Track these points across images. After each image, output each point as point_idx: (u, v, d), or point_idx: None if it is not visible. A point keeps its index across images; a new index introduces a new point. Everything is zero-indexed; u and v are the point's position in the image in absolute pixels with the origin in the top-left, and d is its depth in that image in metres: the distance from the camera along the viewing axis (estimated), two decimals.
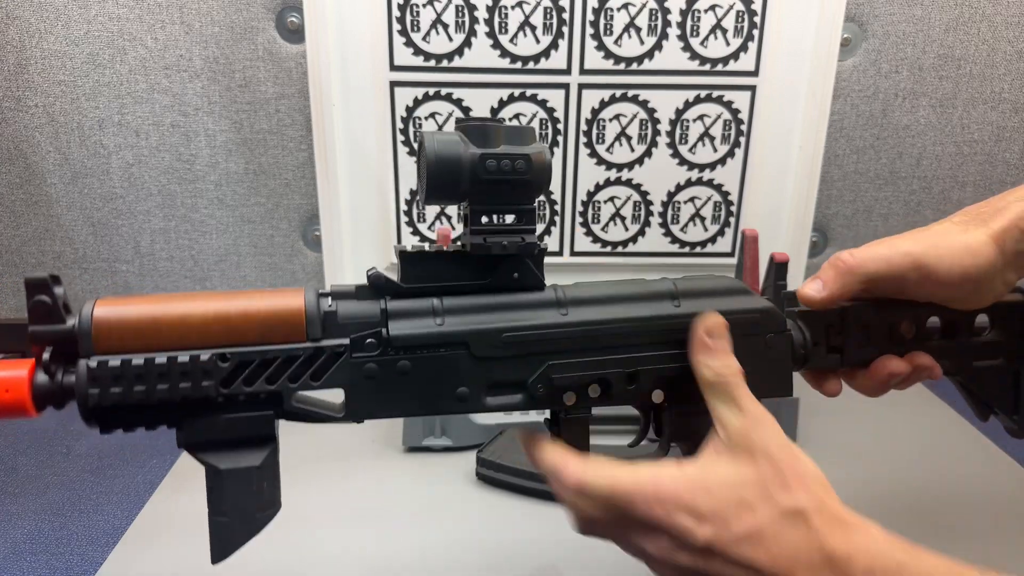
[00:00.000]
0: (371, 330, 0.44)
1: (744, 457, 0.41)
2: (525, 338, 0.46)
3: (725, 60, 0.92)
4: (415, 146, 0.95)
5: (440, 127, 0.94)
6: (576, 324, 0.46)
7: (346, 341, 0.44)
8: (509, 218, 0.46)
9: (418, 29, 0.90)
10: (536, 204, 0.46)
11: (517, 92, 0.93)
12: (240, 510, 0.43)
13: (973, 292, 0.50)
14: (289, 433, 0.86)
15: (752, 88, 0.93)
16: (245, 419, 0.43)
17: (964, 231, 0.50)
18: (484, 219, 0.45)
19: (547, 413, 0.50)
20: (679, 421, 0.49)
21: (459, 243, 0.47)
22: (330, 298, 0.45)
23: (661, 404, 0.49)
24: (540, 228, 0.99)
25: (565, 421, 0.48)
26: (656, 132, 0.95)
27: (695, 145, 0.96)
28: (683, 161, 0.97)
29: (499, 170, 0.44)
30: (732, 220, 0.99)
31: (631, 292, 0.48)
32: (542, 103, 0.93)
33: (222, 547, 0.43)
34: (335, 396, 0.45)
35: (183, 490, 0.77)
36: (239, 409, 0.43)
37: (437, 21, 0.90)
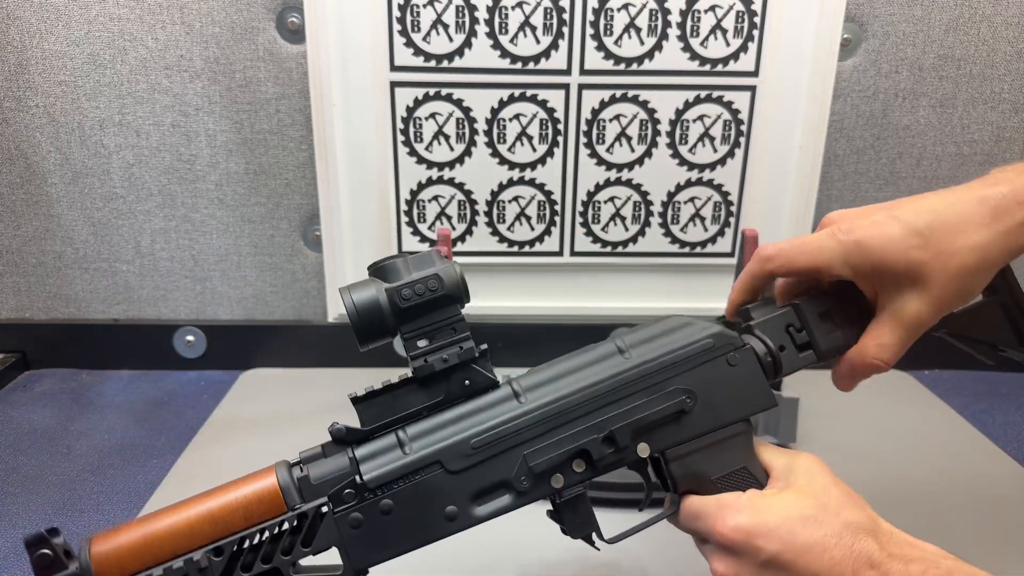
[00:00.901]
0: (346, 481, 0.46)
1: (800, 485, 0.46)
2: (493, 438, 0.47)
3: (725, 60, 0.92)
4: (416, 146, 0.95)
5: (440, 128, 0.94)
6: (537, 408, 0.48)
7: (325, 499, 0.46)
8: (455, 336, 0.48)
9: (418, 29, 0.90)
10: (463, 317, 0.49)
11: (517, 92, 0.93)
12: None
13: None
14: (287, 432, 0.86)
15: (752, 88, 0.94)
16: None
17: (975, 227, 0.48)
18: (420, 343, 0.47)
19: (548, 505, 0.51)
20: (679, 466, 0.50)
21: (407, 373, 0.49)
22: (300, 466, 0.47)
23: (650, 457, 0.49)
24: (540, 228, 0.99)
25: (563, 505, 0.49)
26: (656, 132, 0.95)
27: (695, 145, 0.96)
28: (683, 161, 0.97)
29: (415, 295, 0.47)
30: (732, 220, 0.99)
31: (580, 362, 0.50)
32: (542, 103, 0.93)
33: None
34: (335, 557, 0.47)
35: (183, 490, 0.77)
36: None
37: (437, 21, 0.90)
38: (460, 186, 0.97)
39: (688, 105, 0.94)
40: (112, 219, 1.00)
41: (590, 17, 0.90)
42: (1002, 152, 1.01)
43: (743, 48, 0.92)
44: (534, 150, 0.95)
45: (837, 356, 0.53)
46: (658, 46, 0.92)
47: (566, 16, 0.90)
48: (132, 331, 1.04)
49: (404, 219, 0.98)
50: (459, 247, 0.99)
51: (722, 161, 0.97)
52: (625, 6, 0.90)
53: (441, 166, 0.96)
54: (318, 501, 0.46)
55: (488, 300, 1.00)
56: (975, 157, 1.02)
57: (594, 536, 0.50)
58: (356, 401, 0.48)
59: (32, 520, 0.73)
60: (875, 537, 0.43)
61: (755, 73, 0.93)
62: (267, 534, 0.45)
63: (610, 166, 0.97)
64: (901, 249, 0.48)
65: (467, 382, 0.49)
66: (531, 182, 0.97)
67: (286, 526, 0.45)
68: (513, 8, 0.89)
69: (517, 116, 0.94)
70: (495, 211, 0.98)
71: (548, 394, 0.49)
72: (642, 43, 0.91)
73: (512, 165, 0.96)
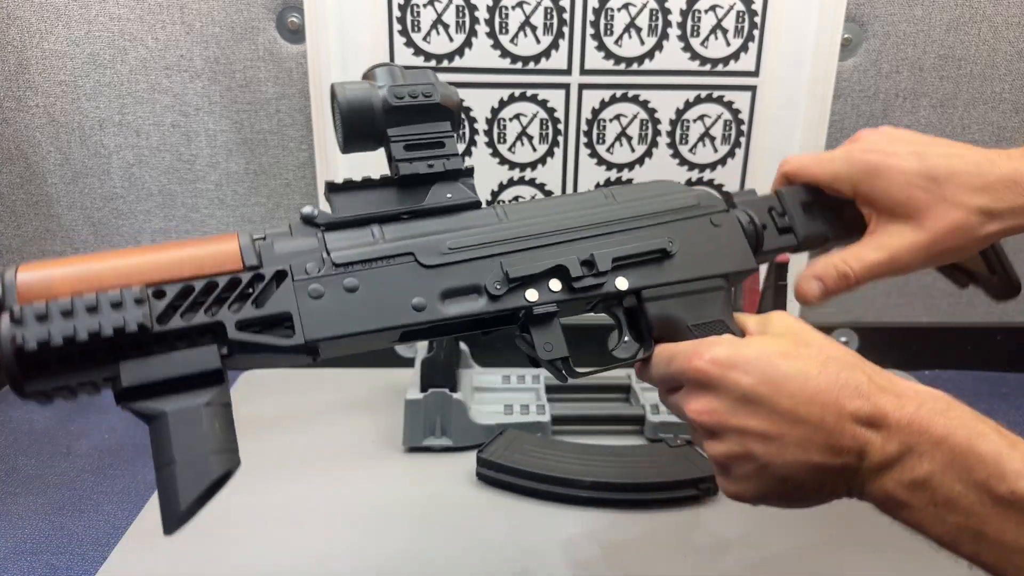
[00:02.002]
0: (311, 256, 0.43)
1: (777, 331, 0.45)
2: (471, 242, 0.46)
3: (725, 60, 0.92)
4: None
5: None
6: (520, 225, 0.47)
7: (287, 267, 0.42)
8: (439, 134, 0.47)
9: (419, 29, 0.90)
10: (455, 129, 0.47)
11: (517, 92, 0.93)
12: (190, 454, 0.37)
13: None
14: (288, 432, 0.86)
15: (752, 88, 0.94)
16: (181, 356, 0.39)
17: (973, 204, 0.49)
18: (406, 148, 0.46)
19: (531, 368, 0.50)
20: (655, 307, 0.49)
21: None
22: (264, 237, 0.44)
23: (628, 292, 0.48)
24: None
25: (534, 320, 0.46)
26: (656, 132, 0.95)
27: (695, 145, 0.96)
28: (683, 161, 0.97)
29: (409, 96, 0.45)
30: None
31: (567, 200, 0.50)
32: (542, 103, 0.93)
33: (172, 506, 0.37)
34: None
35: None
36: (179, 347, 0.39)
37: (438, 21, 0.90)
38: None
39: (688, 105, 0.94)
40: (112, 219, 1.00)
41: (590, 17, 0.90)
42: None
43: (743, 48, 0.92)
44: (534, 150, 0.95)
45: (817, 248, 0.55)
46: (658, 46, 0.92)
47: (566, 16, 0.90)
48: None
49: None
50: None
51: (722, 161, 0.97)
52: (625, 6, 0.90)
53: None
54: (279, 266, 0.42)
55: None
56: None
57: (561, 364, 0.47)
58: (332, 189, 0.46)
59: (32, 520, 0.73)
60: (862, 369, 0.41)
61: (755, 73, 0.93)
62: (217, 288, 0.40)
63: (611, 166, 0.97)
64: (909, 186, 0.48)
65: (449, 195, 0.47)
66: (531, 182, 0.97)
67: (241, 285, 0.41)
68: (513, 8, 0.89)
69: (517, 116, 0.94)
70: None
71: (532, 218, 0.48)
72: (642, 43, 0.91)
73: (512, 165, 0.96)
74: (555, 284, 0.47)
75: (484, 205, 0.48)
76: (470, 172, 0.48)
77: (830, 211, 0.54)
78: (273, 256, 0.43)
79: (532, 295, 0.46)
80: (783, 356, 0.41)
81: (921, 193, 0.48)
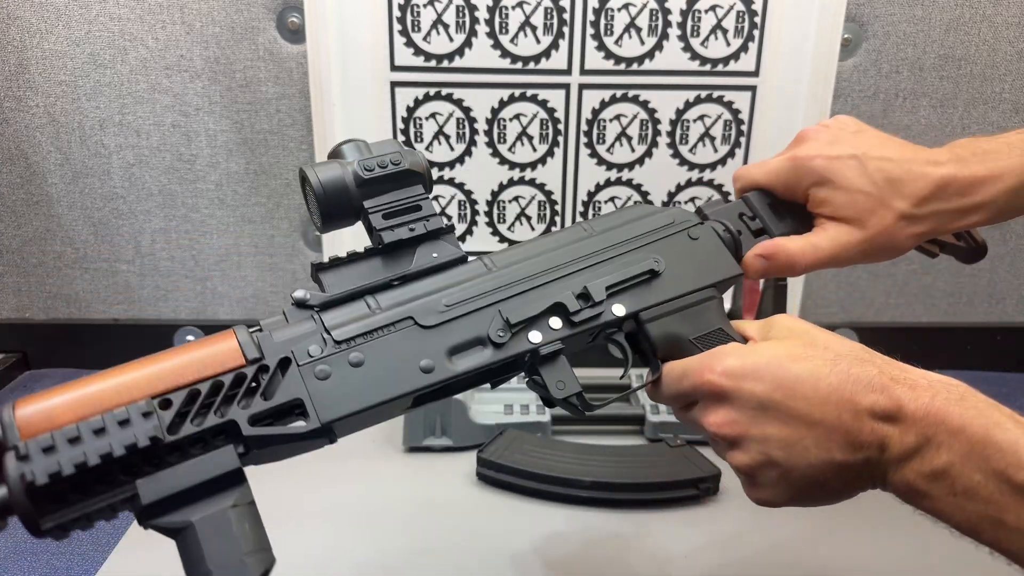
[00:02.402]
0: (307, 339, 0.43)
1: (782, 335, 0.46)
2: (466, 296, 0.47)
3: (725, 60, 0.92)
4: (417, 146, 0.95)
5: (440, 128, 0.94)
6: (509, 272, 0.49)
7: (289, 354, 0.42)
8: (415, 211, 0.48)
9: (419, 29, 0.90)
10: (427, 192, 0.48)
11: (517, 92, 0.93)
12: (225, 561, 0.37)
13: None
14: None
15: (752, 88, 0.94)
16: (204, 460, 0.38)
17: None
18: (384, 218, 0.47)
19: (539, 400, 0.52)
20: (656, 327, 0.50)
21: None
22: (261, 328, 0.44)
23: (627, 318, 0.49)
24: (540, 228, 0.99)
25: (541, 360, 0.47)
26: (656, 132, 0.95)
27: (695, 145, 0.96)
28: (683, 161, 0.97)
29: (379, 166, 0.46)
30: None
31: (548, 240, 0.52)
32: (543, 103, 0.93)
33: None
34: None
35: None
36: (195, 453, 0.39)
37: (438, 21, 0.90)
38: (460, 186, 0.97)
39: (688, 105, 0.94)
40: (112, 219, 1.00)
41: (590, 17, 0.90)
42: None
43: (743, 48, 0.92)
44: (534, 150, 0.95)
45: None
46: (658, 46, 0.92)
47: (566, 16, 0.90)
48: (132, 331, 1.04)
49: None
50: None
51: (722, 161, 0.97)
52: (625, 6, 0.90)
53: (441, 166, 0.96)
54: (281, 354, 0.42)
55: None
56: None
57: (576, 400, 0.48)
58: (319, 269, 0.46)
59: None
60: (873, 363, 0.41)
61: (755, 73, 0.93)
62: (223, 387, 0.40)
63: (610, 166, 0.97)
64: (851, 196, 0.52)
65: (435, 255, 0.48)
66: (531, 182, 0.97)
67: (247, 380, 0.40)
68: (513, 8, 0.89)
69: (517, 116, 0.94)
70: (495, 211, 0.98)
71: (519, 262, 0.50)
72: (642, 43, 0.91)
73: (512, 165, 0.96)
74: (555, 322, 0.48)
75: (469, 259, 0.49)
76: (451, 229, 0.49)
77: (791, 209, 0.57)
78: (274, 345, 0.42)
79: (536, 337, 0.47)
80: (793, 359, 0.41)
81: (862, 200, 0.52)
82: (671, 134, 0.95)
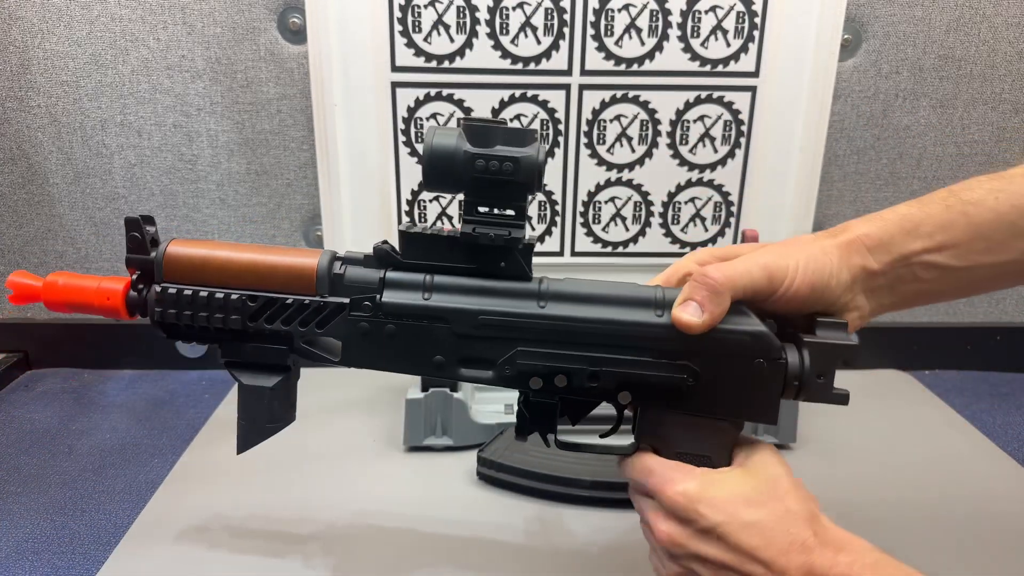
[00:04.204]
0: (369, 295, 0.51)
1: (753, 469, 0.48)
2: (499, 323, 0.50)
3: (726, 61, 0.92)
4: (416, 147, 0.95)
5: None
6: (547, 318, 0.49)
7: (347, 301, 0.51)
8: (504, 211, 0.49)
9: (419, 30, 0.90)
10: (527, 202, 0.49)
11: (518, 93, 0.93)
12: (253, 419, 0.54)
13: (820, 295, 0.50)
14: (288, 432, 0.87)
15: (753, 89, 0.94)
16: (264, 349, 0.53)
17: (815, 240, 0.52)
18: (479, 209, 0.48)
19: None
20: (649, 424, 0.51)
21: (457, 229, 0.50)
22: (341, 262, 0.52)
23: (629, 405, 0.51)
24: (540, 228, 0.99)
25: (531, 402, 0.52)
26: (657, 133, 0.96)
27: (696, 146, 0.96)
28: (684, 162, 0.97)
29: (487, 170, 0.47)
30: (732, 220, 1.00)
31: (615, 294, 0.50)
32: (543, 104, 0.94)
33: (241, 444, 0.55)
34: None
35: (185, 490, 0.77)
36: (261, 341, 0.53)
37: (438, 22, 0.90)
38: None
39: (689, 105, 0.94)
40: (114, 219, 1.00)
41: (591, 18, 0.90)
42: (1002, 152, 1.02)
43: (744, 49, 0.92)
44: None
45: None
46: (659, 47, 0.92)
47: (567, 17, 0.90)
48: (133, 331, 1.04)
49: (405, 219, 0.98)
50: None
51: (723, 161, 0.97)
52: (626, 7, 0.90)
53: None
54: (341, 299, 0.51)
55: None
56: (975, 157, 1.02)
57: (551, 439, 0.53)
58: (403, 235, 0.51)
59: (34, 520, 0.73)
60: (811, 526, 0.45)
61: (755, 74, 0.93)
62: (294, 304, 0.51)
63: (611, 166, 0.97)
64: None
65: (503, 264, 0.50)
66: None
67: (309, 310, 0.51)
68: (514, 9, 0.89)
69: (518, 116, 0.94)
70: None
71: (566, 311, 0.50)
72: (643, 44, 0.91)
73: None
74: (560, 380, 0.50)
75: (533, 278, 0.51)
76: (530, 248, 0.50)
77: None
78: (342, 286, 0.51)
79: (536, 383, 0.50)
80: (748, 503, 0.45)
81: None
82: (671, 134, 0.96)
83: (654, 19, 0.90)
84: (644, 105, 0.94)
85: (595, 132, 0.95)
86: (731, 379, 0.48)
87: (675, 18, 0.90)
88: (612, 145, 0.96)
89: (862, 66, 0.97)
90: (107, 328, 1.04)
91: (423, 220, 0.98)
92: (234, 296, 0.51)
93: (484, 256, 0.50)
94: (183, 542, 0.69)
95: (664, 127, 0.95)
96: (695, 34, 0.91)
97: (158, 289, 0.52)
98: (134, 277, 0.54)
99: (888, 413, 0.94)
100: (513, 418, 0.84)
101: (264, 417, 0.54)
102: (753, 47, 0.92)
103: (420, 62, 0.91)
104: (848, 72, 0.97)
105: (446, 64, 0.92)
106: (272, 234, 1.01)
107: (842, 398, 0.49)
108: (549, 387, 0.50)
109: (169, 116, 0.95)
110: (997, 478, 0.81)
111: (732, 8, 0.90)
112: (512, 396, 0.90)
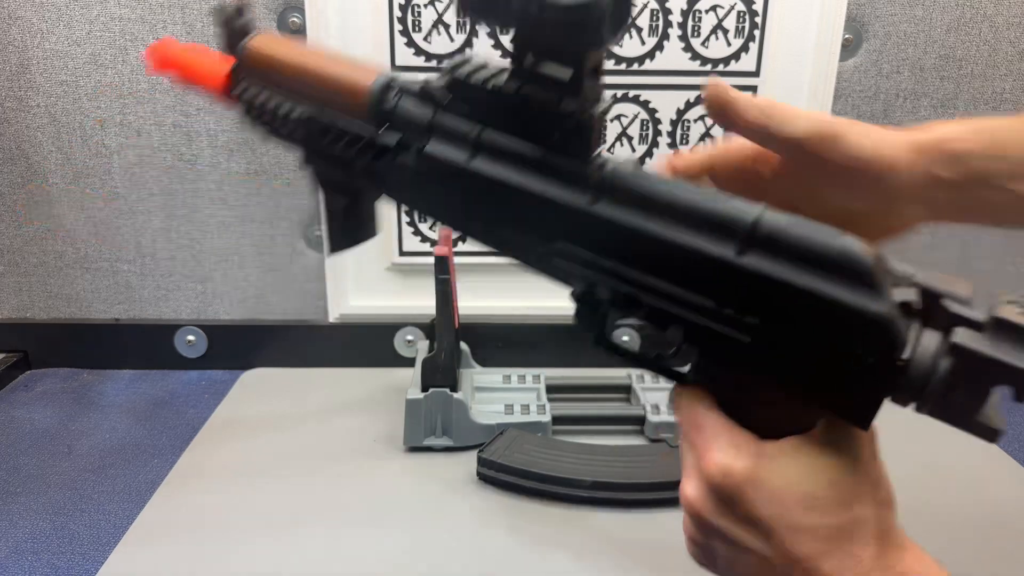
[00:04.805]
0: (415, 134, 0.45)
1: (825, 459, 0.37)
2: (539, 209, 0.41)
3: (726, 60, 0.92)
4: None
5: None
6: (595, 219, 0.39)
7: (392, 140, 0.46)
8: (560, 73, 0.38)
9: (419, 29, 0.90)
10: (588, 58, 0.37)
11: None
12: (332, 231, 0.55)
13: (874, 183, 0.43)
14: (288, 432, 0.86)
15: (753, 89, 0.93)
16: (331, 167, 0.51)
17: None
18: (527, 60, 0.38)
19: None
20: (703, 371, 0.41)
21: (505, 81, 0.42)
22: (396, 92, 0.47)
23: (681, 344, 0.40)
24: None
25: (578, 297, 0.42)
26: (657, 132, 0.95)
27: (696, 145, 0.96)
28: None
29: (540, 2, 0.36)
30: None
31: (693, 207, 0.36)
32: None
33: (330, 247, 0.56)
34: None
35: (185, 490, 0.77)
36: (326, 160, 0.50)
37: (438, 21, 0.90)
38: None
39: (689, 105, 0.94)
40: (113, 219, 1.00)
41: None
42: None
43: (744, 48, 0.92)
44: None
45: None
46: (659, 46, 0.92)
47: None
48: (133, 331, 1.04)
49: (405, 219, 0.98)
50: (460, 247, 0.99)
51: None
52: None
53: None
54: (392, 134, 0.46)
55: (488, 300, 0.99)
56: None
57: (599, 337, 0.43)
58: (452, 78, 0.43)
59: (34, 520, 0.73)
60: (879, 543, 0.37)
61: (756, 73, 0.93)
62: (344, 135, 0.48)
63: None
64: None
65: (556, 135, 0.39)
66: None
67: (361, 144, 0.48)
68: None
69: None
70: None
71: (622, 216, 0.38)
72: (643, 43, 0.91)
73: None
74: (603, 294, 0.41)
75: (597, 164, 0.39)
76: (589, 122, 0.38)
77: None
78: (393, 118, 0.46)
79: (577, 286, 0.42)
80: (808, 504, 0.36)
81: None
82: (672, 134, 0.95)
83: (654, 18, 0.90)
84: (644, 105, 0.94)
85: None
86: (821, 360, 0.35)
87: (675, 17, 0.90)
88: (612, 145, 0.96)
89: (863, 66, 0.97)
90: (107, 328, 1.04)
91: (423, 220, 0.98)
92: (294, 115, 0.50)
93: (535, 122, 0.40)
94: (183, 542, 0.69)
95: (665, 127, 0.95)
96: (696, 33, 0.91)
97: (236, 92, 0.52)
98: (232, 67, 0.53)
99: (887, 414, 0.94)
100: (513, 419, 0.84)
101: (339, 232, 0.54)
102: (754, 47, 0.92)
103: (420, 61, 0.91)
104: (849, 72, 0.97)
105: (446, 64, 0.91)
106: (272, 234, 1.01)
107: (989, 431, 0.33)
108: (590, 294, 0.41)
109: (169, 115, 0.95)
110: (997, 479, 0.81)
111: (733, 7, 0.90)
112: (511, 396, 0.90)
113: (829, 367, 0.35)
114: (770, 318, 0.35)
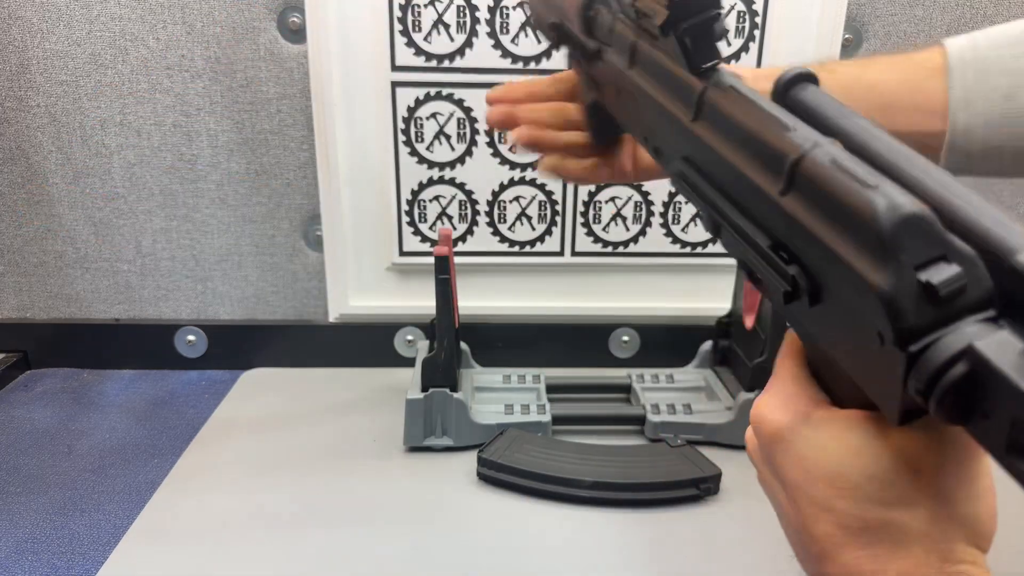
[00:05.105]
0: (604, 41, 0.51)
1: (882, 441, 0.32)
2: (661, 121, 0.41)
3: (727, 60, 0.92)
4: (416, 146, 0.95)
5: (441, 128, 0.94)
6: (689, 139, 0.37)
7: (594, 47, 0.53)
8: None
9: (419, 29, 0.90)
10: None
11: None
12: (592, 123, 0.63)
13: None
14: (287, 432, 0.86)
15: None
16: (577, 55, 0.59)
17: None
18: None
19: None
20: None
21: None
22: (596, 2, 0.52)
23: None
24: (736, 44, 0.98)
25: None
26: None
27: None
28: None
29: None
30: None
31: (756, 133, 0.33)
32: None
33: (594, 140, 0.63)
34: None
35: (185, 490, 0.77)
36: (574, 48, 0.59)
37: (438, 21, 0.90)
38: (461, 186, 0.97)
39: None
40: (113, 219, 1.00)
41: None
42: None
43: (744, 48, 0.92)
44: None
45: None
46: None
47: None
48: (133, 331, 1.04)
49: (405, 219, 0.98)
50: (460, 247, 0.99)
51: None
52: None
53: (442, 166, 0.96)
54: (593, 43, 0.53)
55: (488, 300, 0.99)
56: None
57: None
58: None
59: (33, 520, 0.73)
60: (921, 565, 0.33)
61: None
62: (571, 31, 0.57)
63: None
64: None
65: (687, 41, 0.38)
66: (532, 182, 0.97)
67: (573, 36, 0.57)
68: (514, 8, 0.89)
69: None
70: (496, 211, 0.98)
71: (710, 137, 0.36)
72: None
73: (513, 165, 0.96)
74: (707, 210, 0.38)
75: (714, 73, 0.37)
76: (710, 24, 0.37)
77: None
78: (595, 25, 0.53)
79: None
80: (835, 486, 0.33)
81: None
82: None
83: None
84: None
85: None
86: (850, 330, 0.30)
87: None
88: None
89: None
90: (107, 328, 1.04)
91: (423, 220, 0.98)
92: (549, 20, 0.58)
93: (673, 34, 0.38)
94: (183, 542, 0.69)
95: None
96: None
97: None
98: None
99: None
100: (513, 419, 0.84)
101: (596, 127, 0.62)
102: (754, 47, 0.92)
103: (420, 61, 0.91)
104: None
105: (446, 63, 0.92)
106: (272, 234, 1.01)
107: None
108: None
109: (169, 115, 0.95)
110: (997, 479, 0.81)
111: (732, 7, 0.90)
112: (511, 396, 0.90)
113: (857, 341, 0.29)
114: (805, 270, 0.31)
